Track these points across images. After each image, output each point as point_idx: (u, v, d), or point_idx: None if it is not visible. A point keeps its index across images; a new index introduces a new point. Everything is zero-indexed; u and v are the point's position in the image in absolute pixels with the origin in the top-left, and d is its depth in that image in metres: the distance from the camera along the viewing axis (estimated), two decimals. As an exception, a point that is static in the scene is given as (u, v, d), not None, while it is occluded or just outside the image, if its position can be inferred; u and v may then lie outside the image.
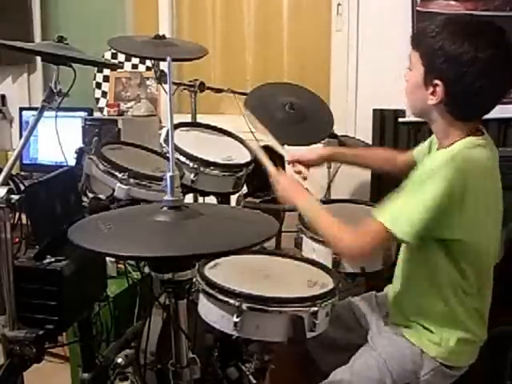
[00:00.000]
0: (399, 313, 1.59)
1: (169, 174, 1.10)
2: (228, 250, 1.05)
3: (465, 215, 1.37)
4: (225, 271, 1.58)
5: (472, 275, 1.46)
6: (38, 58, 3.38)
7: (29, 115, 3.30)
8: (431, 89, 1.41)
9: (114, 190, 1.76)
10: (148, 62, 3.21)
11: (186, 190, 1.87)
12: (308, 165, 1.82)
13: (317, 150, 1.95)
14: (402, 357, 1.51)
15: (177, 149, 1.85)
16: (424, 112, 1.49)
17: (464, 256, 1.44)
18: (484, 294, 1.53)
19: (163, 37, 2.25)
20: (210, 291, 1.47)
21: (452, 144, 1.44)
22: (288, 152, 1.87)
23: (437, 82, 1.39)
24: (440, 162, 1.38)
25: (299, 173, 1.78)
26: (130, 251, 1.02)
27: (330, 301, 1.49)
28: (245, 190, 2.17)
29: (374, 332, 1.63)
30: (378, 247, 1.52)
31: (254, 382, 1.66)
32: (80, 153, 1.96)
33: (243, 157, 2.09)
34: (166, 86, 1.20)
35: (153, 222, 1.08)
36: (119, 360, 1.71)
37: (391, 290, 1.66)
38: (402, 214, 1.38)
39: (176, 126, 2.09)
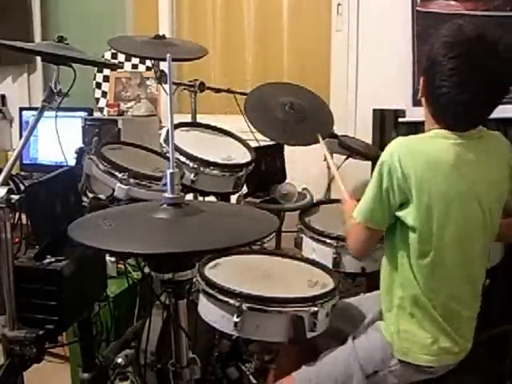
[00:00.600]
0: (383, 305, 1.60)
1: (169, 171, 1.10)
2: (228, 247, 1.05)
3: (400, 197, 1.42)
4: (225, 271, 1.59)
5: (422, 268, 1.45)
6: (38, 58, 3.38)
7: (29, 115, 3.30)
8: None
9: (113, 190, 1.76)
10: (148, 62, 3.21)
11: (186, 189, 1.87)
12: None
13: None
14: (372, 348, 1.53)
15: (177, 149, 1.85)
16: (423, 109, 1.53)
17: (412, 246, 1.44)
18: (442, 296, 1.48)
19: (163, 37, 2.25)
20: (210, 291, 1.47)
21: None
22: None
23: (422, 77, 1.48)
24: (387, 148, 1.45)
25: None
26: (129, 248, 1.02)
27: (330, 301, 1.49)
28: (245, 189, 2.17)
29: (362, 327, 1.63)
30: (366, 242, 1.55)
31: (254, 381, 1.67)
32: (80, 153, 1.96)
33: (243, 157, 2.09)
34: (166, 86, 1.20)
35: (153, 219, 1.08)
36: (119, 360, 1.71)
37: None
38: (364, 205, 1.48)
39: (176, 126, 2.09)
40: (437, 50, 1.40)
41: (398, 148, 1.42)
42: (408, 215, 1.42)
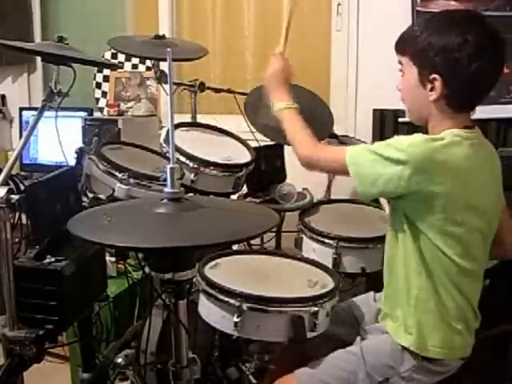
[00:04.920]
0: (386, 306, 1.57)
1: (169, 166, 1.10)
2: (229, 241, 1.04)
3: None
4: (225, 271, 1.59)
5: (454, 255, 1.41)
6: (38, 58, 3.37)
7: (29, 115, 3.30)
8: (429, 85, 1.41)
9: (113, 190, 1.76)
10: (148, 62, 3.21)
11: (186, 190, 1.86)
12: None
13: None
14: (380, 351, 1.49)
15: (177, 149, 1.85)
16: (425, 112, 1.46)
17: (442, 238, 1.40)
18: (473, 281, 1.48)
19: (163, 37, 2.25)
20: (211, 291, 1.47)
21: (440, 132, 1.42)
22: None
23: (434, 76, 1.39)
24: (416, 139, 1.37)
25: None
26: (129, 242, 1.01)
27: (330, 301, 1.49)
28: (245, 190, 2.17)
29: (364, 329, 1.62)
30: (327, 167, 1.60)
31: (254, 381, 1.67)
32: (80, 153, 1.96)
33: (243, 157, 2.09)
34: (166, 86, 1.20)
35: (153, 214, 1.08)
36: (119, 360, 1.71)
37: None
38: (363, 161, 1.41)
39: (176, 126, 2.09)
40: (445, 39, 1.36)
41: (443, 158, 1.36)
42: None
